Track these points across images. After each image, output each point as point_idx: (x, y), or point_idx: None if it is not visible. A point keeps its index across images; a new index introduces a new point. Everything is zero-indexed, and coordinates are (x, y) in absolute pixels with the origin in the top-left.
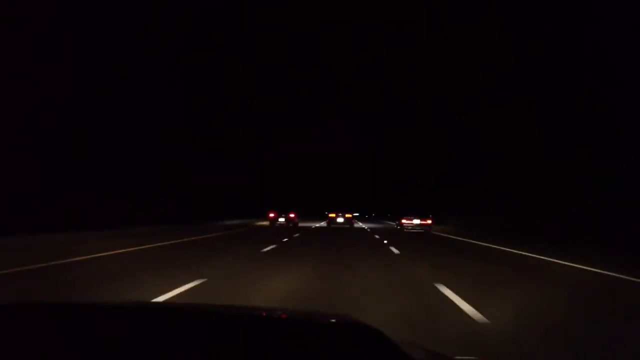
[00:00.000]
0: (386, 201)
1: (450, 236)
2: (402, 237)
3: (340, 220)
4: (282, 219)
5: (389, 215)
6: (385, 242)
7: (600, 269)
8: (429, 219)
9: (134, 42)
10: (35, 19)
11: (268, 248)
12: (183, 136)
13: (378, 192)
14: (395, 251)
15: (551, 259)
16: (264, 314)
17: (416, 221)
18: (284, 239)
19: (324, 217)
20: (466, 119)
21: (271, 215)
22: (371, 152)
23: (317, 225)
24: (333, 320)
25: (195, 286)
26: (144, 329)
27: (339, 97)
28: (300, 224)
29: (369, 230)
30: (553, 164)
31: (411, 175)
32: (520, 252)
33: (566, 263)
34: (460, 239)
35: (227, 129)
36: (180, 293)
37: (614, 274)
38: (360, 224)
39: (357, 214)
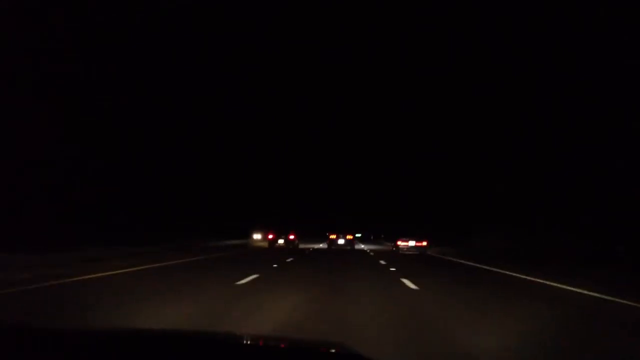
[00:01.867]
0: (390, 220)
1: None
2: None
3: (341, 242)
4: (281, 240)
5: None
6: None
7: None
8: (425, 241)
9: (133, 42)
10: (35, 16)
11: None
12: (182, 138)
13: (380, 205)
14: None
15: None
16: (261, 343)
17: (412, 243)
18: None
19: (324, 238)
20: (471, 123)
21: (270, 236)
22: (372, 156)
23: (318, 246)
24: (331, 351)
25: None
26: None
27: (339, 100)
28: (301, 245)
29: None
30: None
31: (411, 178)
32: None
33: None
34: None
35: (225, 131)
36: None
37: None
38: (363, 245)
39: (359, 235)
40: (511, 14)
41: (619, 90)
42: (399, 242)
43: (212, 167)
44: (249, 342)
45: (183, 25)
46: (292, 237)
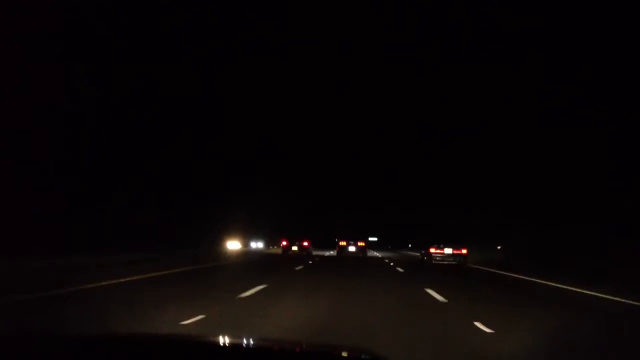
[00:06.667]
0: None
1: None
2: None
3: (352, 249)
4: (295, 247)
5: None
6: None
7: None
8: (464, 248)
9: (133, 41)
10: (35, 16)
11: None
12: (182, 138)
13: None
14: None
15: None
16: (277, 348)
17: (448, 250)
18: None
19: (333, 245)
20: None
21: (284, 243)
22: (373, 157)
23: (328, 254)
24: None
25: None
26: None
27: (339, 100)
28: (314, 252)
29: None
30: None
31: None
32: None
33: None
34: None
35: (225, 131)
36: None
37: None
38: (376, 253)
39: (375, 239)
40: (511, 13)
41: (619, 90)
42: (432, 250)
43: (213, 168)
44: (265, 348)
45: (183, 25)
46: (305, 244)
